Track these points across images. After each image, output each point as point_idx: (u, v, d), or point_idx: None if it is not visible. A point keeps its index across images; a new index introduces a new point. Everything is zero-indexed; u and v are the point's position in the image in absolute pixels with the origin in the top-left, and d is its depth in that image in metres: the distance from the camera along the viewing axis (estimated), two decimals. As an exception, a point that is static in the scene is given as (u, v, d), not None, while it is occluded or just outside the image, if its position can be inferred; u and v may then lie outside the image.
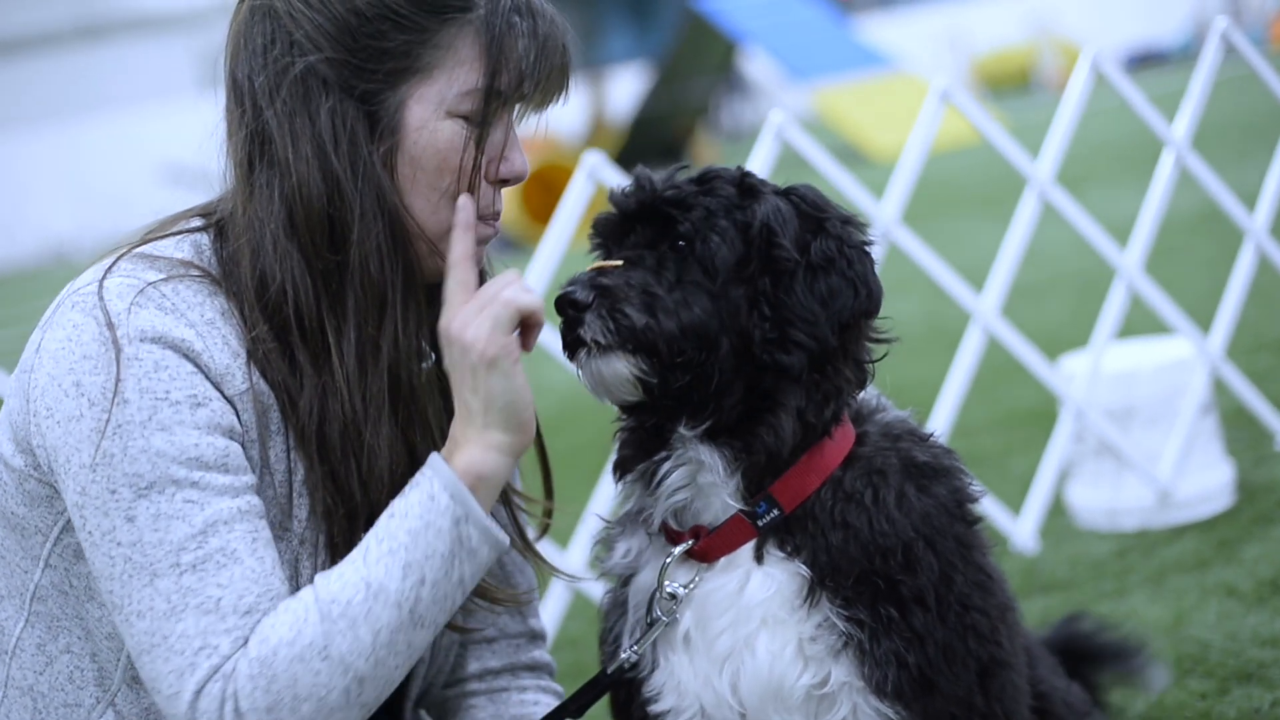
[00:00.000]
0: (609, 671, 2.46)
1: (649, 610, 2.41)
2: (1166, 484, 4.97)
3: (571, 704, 2.50)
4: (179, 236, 2.34)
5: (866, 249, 2.38)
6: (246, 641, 2.13)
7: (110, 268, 2.25)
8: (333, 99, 2.26)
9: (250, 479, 2.22)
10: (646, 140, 20.69)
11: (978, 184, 15.29)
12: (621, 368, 2.27)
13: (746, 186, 2.36)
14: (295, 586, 2.27)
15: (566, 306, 2.26)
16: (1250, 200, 5.66)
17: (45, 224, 28.96)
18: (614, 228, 2.40)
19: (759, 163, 4.57)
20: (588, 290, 2.25)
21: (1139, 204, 5.30)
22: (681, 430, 2.33)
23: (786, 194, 2.38)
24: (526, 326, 2.24)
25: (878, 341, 2.43)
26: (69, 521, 2.25)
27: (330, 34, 2.27)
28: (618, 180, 4.33)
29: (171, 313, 2.20)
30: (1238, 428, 5.66)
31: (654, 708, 2.44)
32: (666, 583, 2.38)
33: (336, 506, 2.29)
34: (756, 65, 24.45)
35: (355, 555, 2.19)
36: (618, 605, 2.50)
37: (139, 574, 2.13)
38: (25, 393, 2.24)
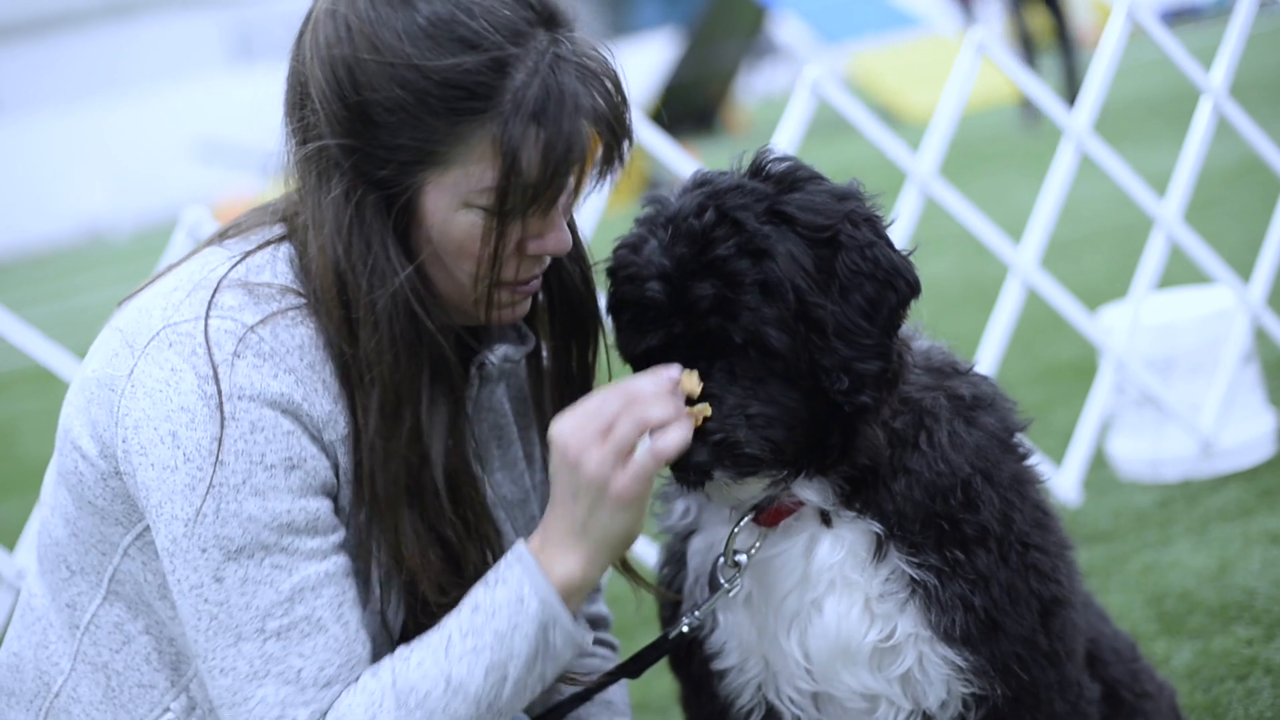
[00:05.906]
0: (670, 638, 2.47)
1: (711, 577, 2.42)
2: (1208, 434, 4.97)
3: (630, 665, 2.52)
4: (272, 248, 2.31)
5: (878, 226, 2.31)
6: (325, 715, 2.17)
7: (211, 303, 2.20)
8: (345, 183, 2.21)
9: (339, 536, 2.23)
10: (679, 107, 20.63)
11: (1013, 144, 15.21)
12: (755, 486, 2.33)
13: (747, 244, 2.23)
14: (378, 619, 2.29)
15: (691, 472, 2.25)
16: (1288, 151, 5.62)
17: (80, 203, 29.07)
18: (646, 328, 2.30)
19: (794, 122, 4.57)
20: (701, 450, 2.23)
21: (1176, 158, 5.27)
22: (788, 481, 2.35)
23: (780, 218, 2.26)
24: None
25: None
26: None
27: (344, 119, 2.19)
28: (649, 139, 4.36)
29: (270, 359, 2.18)
30: (1279, 377, 5.65)
31: (717, 664, 2.46)
32: (733, 551, 2.39)
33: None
34: (786, 29, 24.27)
35: (436, 643, 2.19)
36: (675, 559, 2.52)
37: (224, 633, 2.16)
38: (113, 411, 2.21)
